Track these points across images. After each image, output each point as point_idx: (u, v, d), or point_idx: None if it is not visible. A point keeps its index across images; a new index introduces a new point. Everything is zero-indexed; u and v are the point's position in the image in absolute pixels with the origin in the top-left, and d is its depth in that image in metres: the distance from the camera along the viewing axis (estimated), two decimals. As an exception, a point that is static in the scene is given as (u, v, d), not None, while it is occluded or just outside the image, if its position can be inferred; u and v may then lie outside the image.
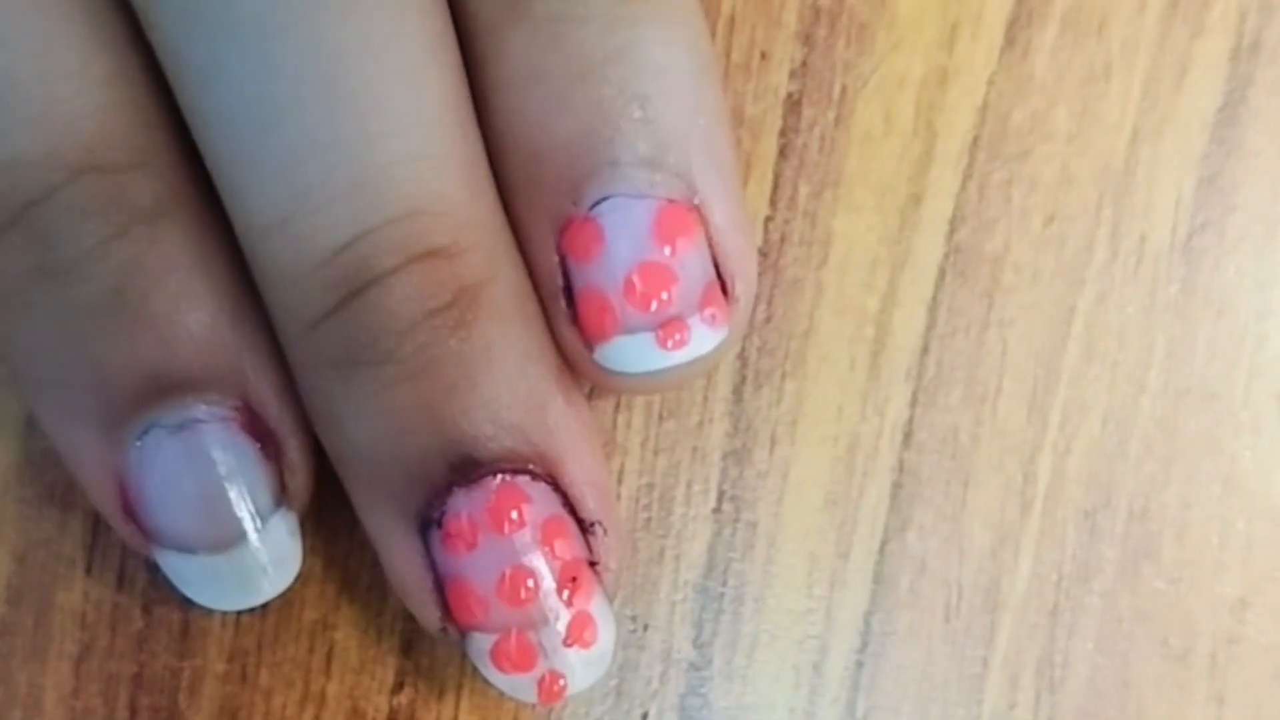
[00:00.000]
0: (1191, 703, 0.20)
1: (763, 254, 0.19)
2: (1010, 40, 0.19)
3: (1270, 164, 0.20)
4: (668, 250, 0.16)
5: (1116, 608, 0.19)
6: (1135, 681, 0.19)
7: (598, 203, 0.16)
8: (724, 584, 0.19)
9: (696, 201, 0.16)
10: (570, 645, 0.16)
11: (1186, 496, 0.20)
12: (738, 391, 0.19)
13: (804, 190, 0.19)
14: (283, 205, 0.15)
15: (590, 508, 0.17)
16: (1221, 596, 0.20)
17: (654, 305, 0.16)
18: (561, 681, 0.16)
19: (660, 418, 0.19)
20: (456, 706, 0.19)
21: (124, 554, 0.19)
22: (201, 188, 0.16)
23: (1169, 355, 0.20)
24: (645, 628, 0.19)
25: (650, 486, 0.19)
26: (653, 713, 0.19)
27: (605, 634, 0.17)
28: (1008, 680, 0.19)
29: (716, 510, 0.19)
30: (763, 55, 0.19)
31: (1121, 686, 0.19)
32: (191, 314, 0.16)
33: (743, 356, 0.19)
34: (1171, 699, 0.20)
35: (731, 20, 0.19)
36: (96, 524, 0.19)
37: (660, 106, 0.16)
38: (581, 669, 0.16)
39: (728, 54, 0.19)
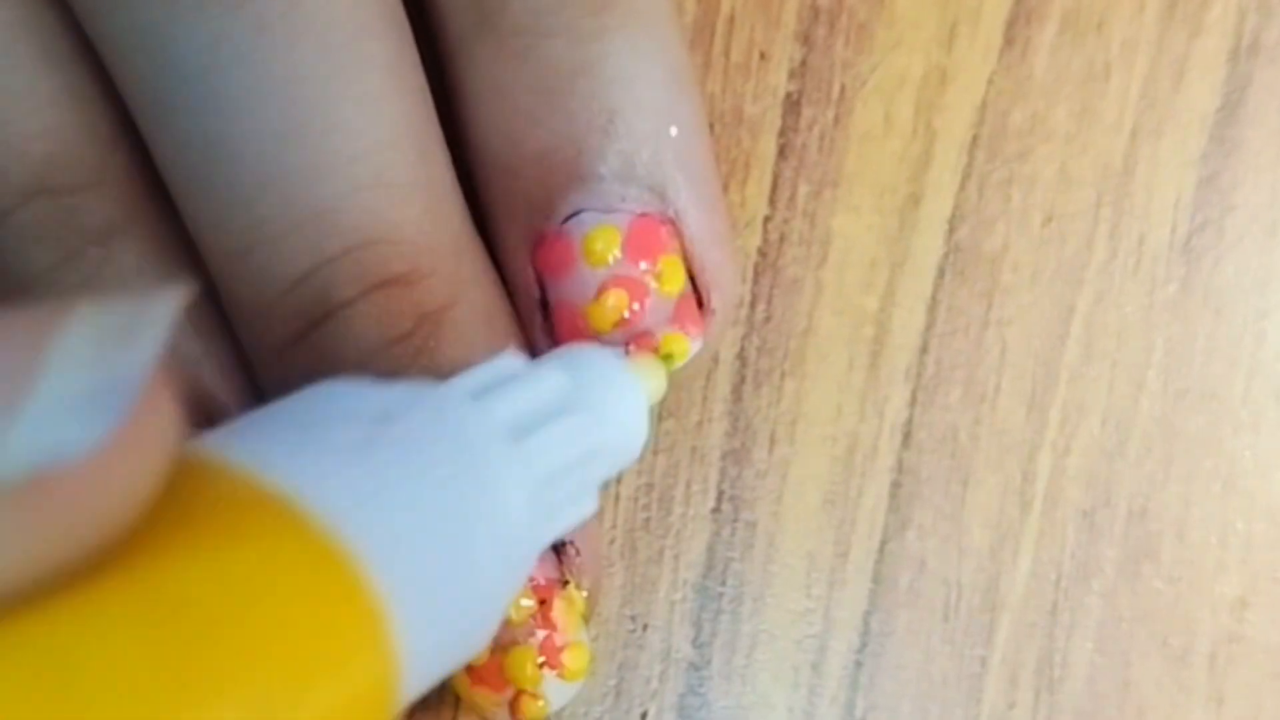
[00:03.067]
0: (1191, 702, 0.20)
1: (762, 254, 0.19)
2: (1009, 40, 0.19)
3: (1269, 163, 0.20)
4: (642, 265, 0.16)
5: (1116, 607, 0.19)
6: (1135, 681, 0.19)
7: (570, 217, 0.16)
8: (723, 584, 0.19)
9: (670, 214, 0.16)
10: (541, 666, 0.16)
11: (1186, 496, 0.20)
12: (737, 391, 0.19)
13: (803, 190, 0.19)
14: (242, 236, 0.15)
15: None
16: (1221, 596, 0.20)
17: (625, 319, 0.16)
18: (536, 704, 0.16)
19: (659, 417, 0.19)
20: (455, 708, 0.19)
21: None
22: (160, 200, 0.16)
23: (1168, 355, 0.20)
24: (644, 627, 0.19)
25: (649, 486, 0.19)
26: (652, 712, 0.19)
27: (578, 654, 0.17)
28: (1007, 680, 0.19)
29: (715, 510, 0.19)
30: (762, 55, 0.19)
31: (1121, 686, 0.19)
32: None
33: (742, 356, 0.19)
34: (1171, 698, 0.19)
35: (731, 20, 0.19)
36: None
37: (630, 119, 0.16)
38: (554, 690, 0.16)
39: (727, 54, 0.19)
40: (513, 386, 0.13)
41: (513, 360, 0.14)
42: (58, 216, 0.15)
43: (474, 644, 0.12)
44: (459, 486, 0.12)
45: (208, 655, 0.09)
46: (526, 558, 0.13)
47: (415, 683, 0.11)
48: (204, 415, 0.16)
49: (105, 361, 0.09)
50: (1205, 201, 0.20)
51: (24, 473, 0.09)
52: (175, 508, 0.10)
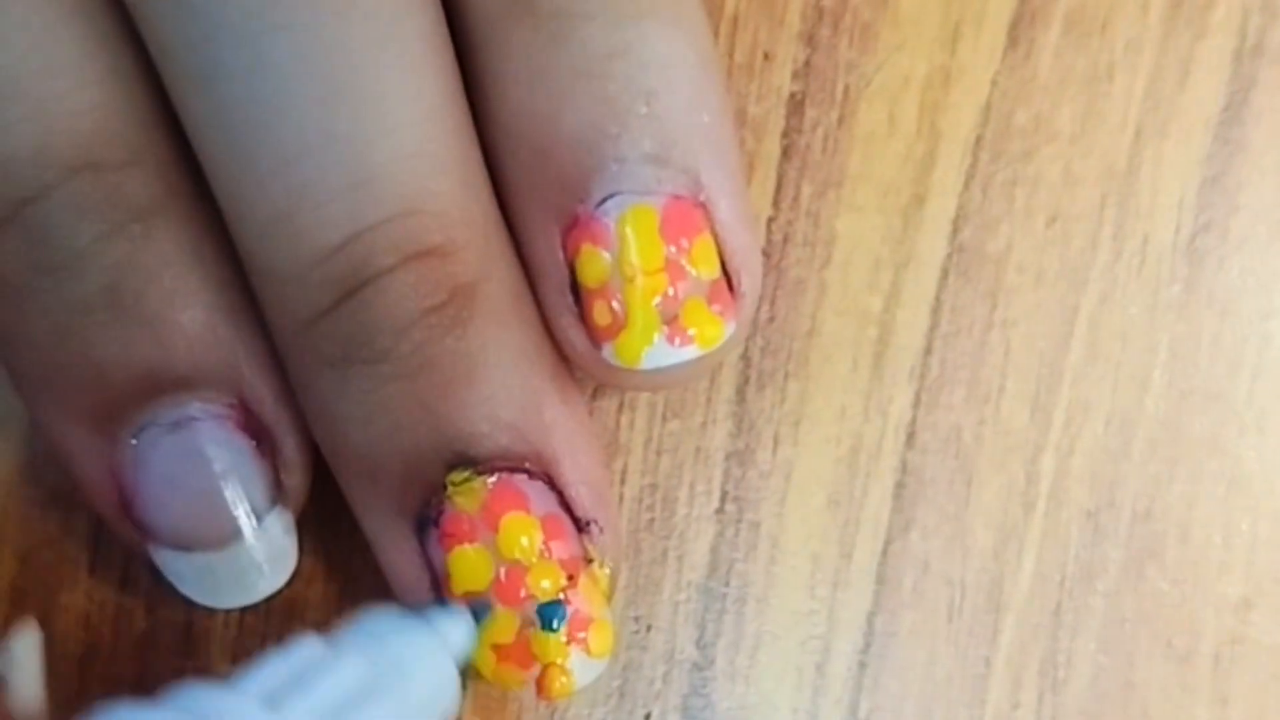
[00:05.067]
0: (1195, 703, 0.19)
1: (766, 254, 0.19)
2: (1013, 40, 0.19)
3: (1274, 164, 0.20)
4: (674, 248, 0.16)
5: (1120, 608, 0.19)
6: (1139, 682, 0.19)
7: (604, 199, 0.16)
8: (727, 584, 0.19)
9: (702, 198, 0.16)
10: (568, 644, 0.16)
11: (1190, 497, 0.20)
12: (741, 392, 0.19)
13: (807, 190, 0.19)
14: (280, 202, 0.15)
15: (586, 506, 0.17)
16: (1225, 597, 0.20)
17: (662, 301, 0.16)
18: (562, 679, 0.16)
19: (664, 418, 0.19)
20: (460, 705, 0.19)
21: (127, 555, 0.19)
22: (196, 186, 0.16)
23: (1172, 355, 0.20)
24: (648, 628, 0.19)
25: (653, 487, 0.19)
26: (655, 713, 0.19)
27: (603, 631, 0.17)
28: (1011, 680, 0.19)
29: (719, 511, 0.19)
30: (766, 55, 0.19)
31: (1125, 687, 0.19)
32: (186, 311, 0.16)
33: (746, 357, 0.19)
34: (1175, 700, 0.19)
35: (735, 20, 0.19)
36: (100, 524, 0.19)
37: (665, 102, 0.16)
38: (580, 667, 0.16)
39: (731, 54, 0.19)
40: (309, 683, 0.13)
41: (308, 647, 0.14)
42: (103, 191, 0.15)
43: None
44: None
45: None
46: None
47: None
48: (241, 399, 0.16)
49: None
50: (1210, 202, 0.20)
51: None
52: None
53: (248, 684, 0.13)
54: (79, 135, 0.15)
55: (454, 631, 0.16)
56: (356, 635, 0.15)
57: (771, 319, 0.19)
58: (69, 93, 0.15)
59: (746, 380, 0.19)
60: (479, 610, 0.16)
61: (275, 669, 0.14)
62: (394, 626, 0.15)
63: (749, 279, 0.16)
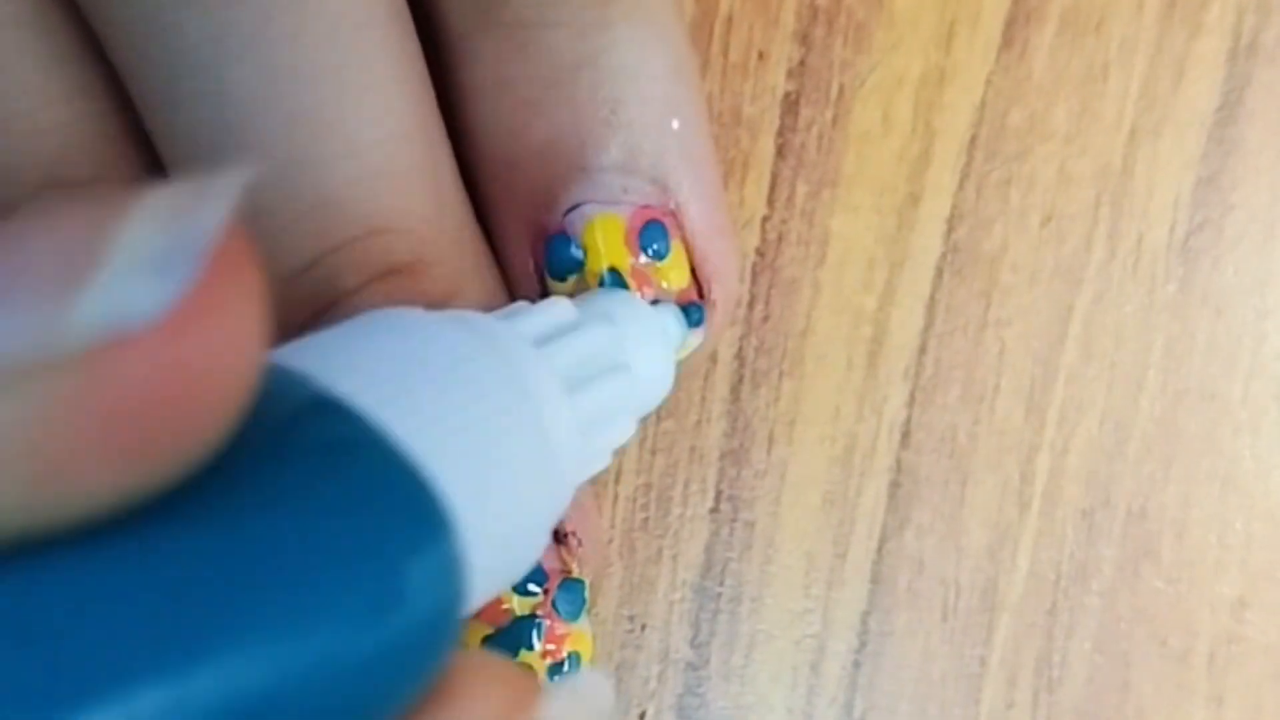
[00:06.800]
0: (1191, 702, 0.19)
1: (760, 254, 0.19)
2: (1008, 40, 0.19)
3: (1268, 163, 0.20)
4: (642, 258, 0.16)
5: (1115, 607, 0.19)
6: (1134, 681, 0.19)
7: (571, 209, 0.16)
8: (721, 584, 0.19)
9: (672, 206, 0.16)
10: (544, 657, 0.16)
11: (1185, 496, 0.20)
12: (735, 391, 0.19)
13: (802, 190, 0.19)
14: (246, 226, 0.15)
15: (564, 518, 0.17)
16: (1221, 596, 0.20)
17: None
18: None
19: (658, 417, 0.19)
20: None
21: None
22: None
23: (1167, 355, 0.20)
24: (643, 627, 0.19)
25: (648, 486, 0.19)
26: (650, 712, 0.19)
27: (580, 644, 0.17)
28: (1005, 680, 0.19)
29: (714, 510, 0.19)
30: (760, 55, 0.19)
31: (1120, 686, 0.19)
32: None
33: (740, 356, 0.19)
34: (1170, 699, 0.19)
35: (729, 20, 0.19)
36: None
37: (633, 111, 0.16)
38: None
39: (725, 53, 0.19)
40: (568, 338, 0.14)
41: (566, 308, 0.15)
42: None
43: (519, 569, 0.13)
44: (519, 429, 0.13)
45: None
46: (569, 493, 0.14)
47: (473, 600, 0.12)
48: None
49: (175, 228, 0.08)
50: (1204, 201, 0.20)
51: (89, 336, 0.08)
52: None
53: (517, 323, 0.14)
54: (44, 153, 0.15)
55: (671, 324, 0.16)
56: (597, 308, 0.15)
57: (766, 318, 0.19)
58: (33, 111, 0.15)
59: (741, 379, 0.19)
60: (691, 312, 0.16)
61: (534, 321, 0.14)
62: (634, 311, 0.16)
63: (720, 287, 0.16)
